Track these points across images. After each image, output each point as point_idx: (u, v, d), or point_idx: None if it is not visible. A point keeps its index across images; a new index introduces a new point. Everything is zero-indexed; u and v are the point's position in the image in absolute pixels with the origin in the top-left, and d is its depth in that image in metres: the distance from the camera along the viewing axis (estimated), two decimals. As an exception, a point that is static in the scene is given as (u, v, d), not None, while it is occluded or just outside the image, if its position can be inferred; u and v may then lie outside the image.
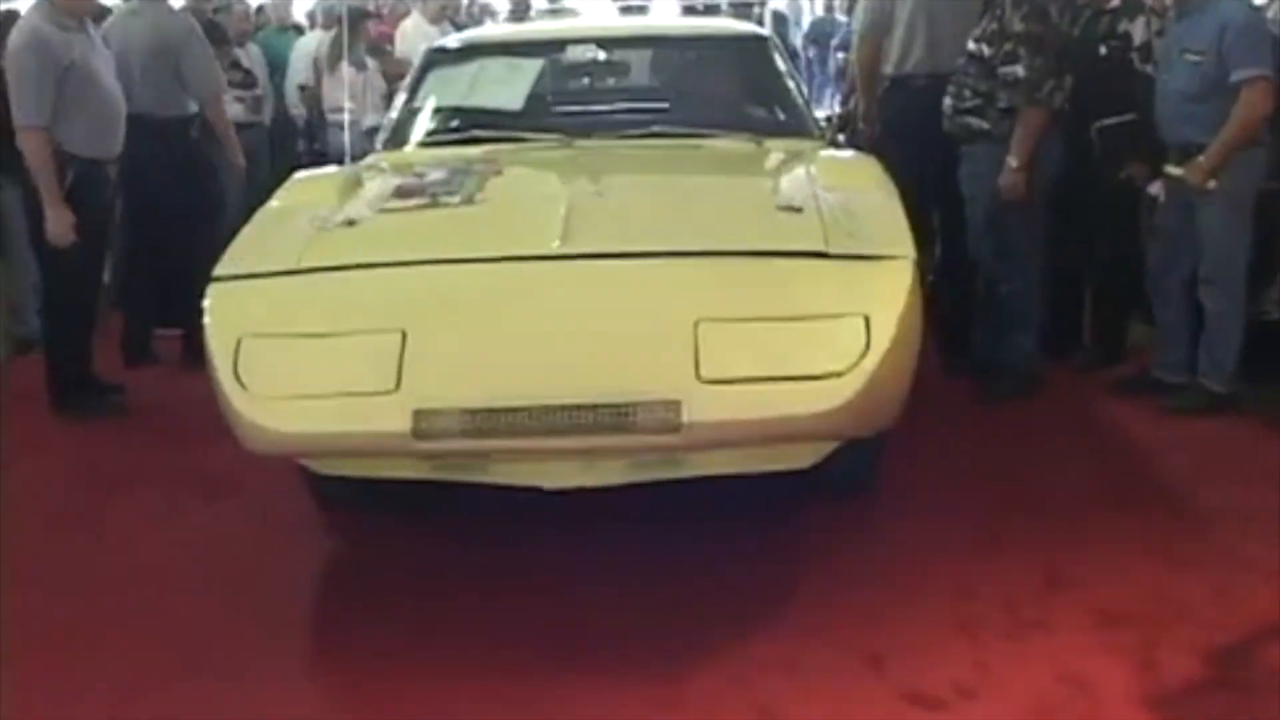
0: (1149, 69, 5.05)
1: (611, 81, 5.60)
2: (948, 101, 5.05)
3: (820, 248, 3.43)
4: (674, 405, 3.08)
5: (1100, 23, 5.26)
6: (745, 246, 3.47)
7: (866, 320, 3.21)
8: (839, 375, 3.12)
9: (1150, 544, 3.72)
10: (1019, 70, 4.84)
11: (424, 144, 4.91)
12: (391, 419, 3.12)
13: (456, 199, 3.91)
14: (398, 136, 5.03)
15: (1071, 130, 5.01)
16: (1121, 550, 3.67)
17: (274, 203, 4.12)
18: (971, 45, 5.01)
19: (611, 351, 3.21)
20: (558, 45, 5.40)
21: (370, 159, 4.95)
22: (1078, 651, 3.15)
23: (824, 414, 3.11)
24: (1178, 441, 4.55)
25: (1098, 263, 5.47)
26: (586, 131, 4.76)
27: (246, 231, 3.83)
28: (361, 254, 3.58)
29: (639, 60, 5.71)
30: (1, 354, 5.97)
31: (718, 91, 5.29)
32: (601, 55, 5.39)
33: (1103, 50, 5.22)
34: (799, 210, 3.67)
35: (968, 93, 4.98)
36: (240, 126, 6.41)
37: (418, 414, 3.11)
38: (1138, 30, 5.18)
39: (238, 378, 3.24)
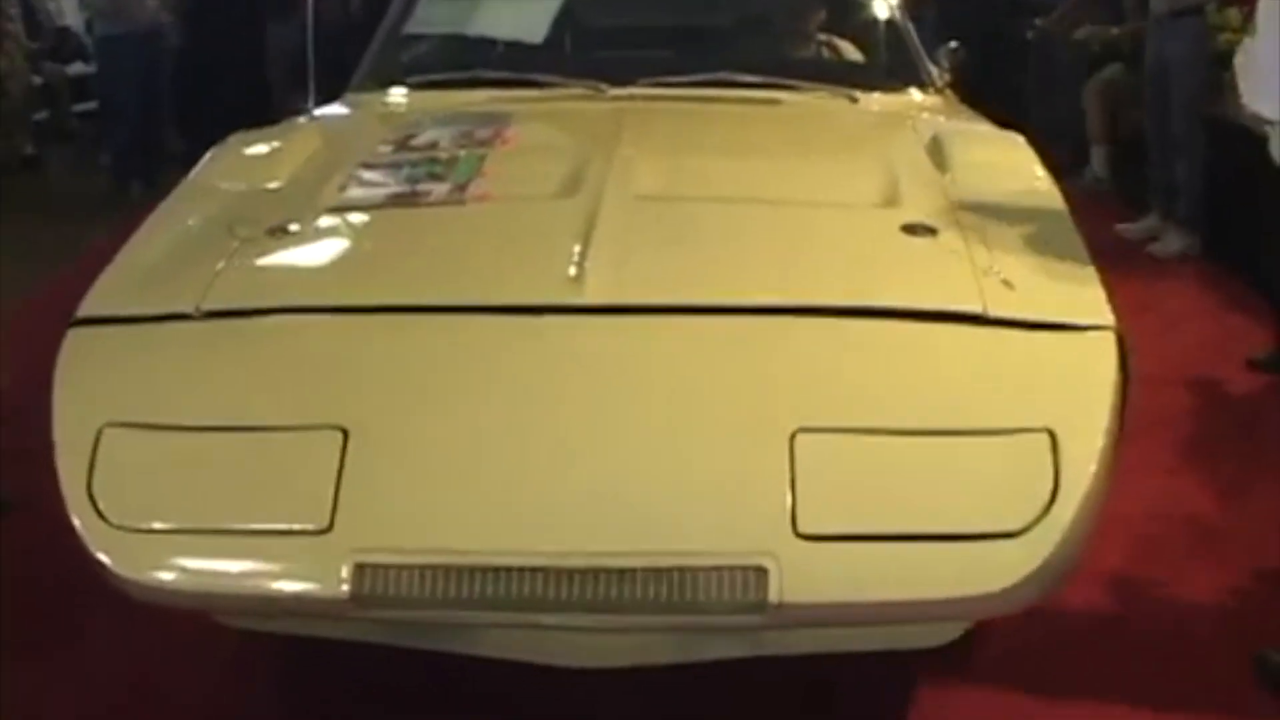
0: None
1: (660, 6, 4.29)
2: None
3: (975, 308, 2.26)
4: (758, 575, 1.95)
5: None
6: (858, 300, 2.27)
7: (1053, 439, 2.05)
8: (1016, 535, 1.97)
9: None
10: None
11: (411, 85, 3.75)
12: (320, 575, 2.01)
13: (442, 190, 2.74)
14: (378, 72, 3.87)
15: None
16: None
17: (193, 179, 2.98)
18: None
19: (659, 480, 2.05)
20: None
21: (341, 104, 3.79)
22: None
23: (990, 596, 1.98)
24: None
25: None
26: (626, 76, 3.56)
27: (137, 238, 2.65)
28: (294, 290, 2.41)
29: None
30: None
31: (801, 25, 4.04)
32: None
33: None
34: (933, 233, 2.49)
35: None
36: None
37: (361, 571, 1.99)
38: None
39: (91, 495, 2.10)
